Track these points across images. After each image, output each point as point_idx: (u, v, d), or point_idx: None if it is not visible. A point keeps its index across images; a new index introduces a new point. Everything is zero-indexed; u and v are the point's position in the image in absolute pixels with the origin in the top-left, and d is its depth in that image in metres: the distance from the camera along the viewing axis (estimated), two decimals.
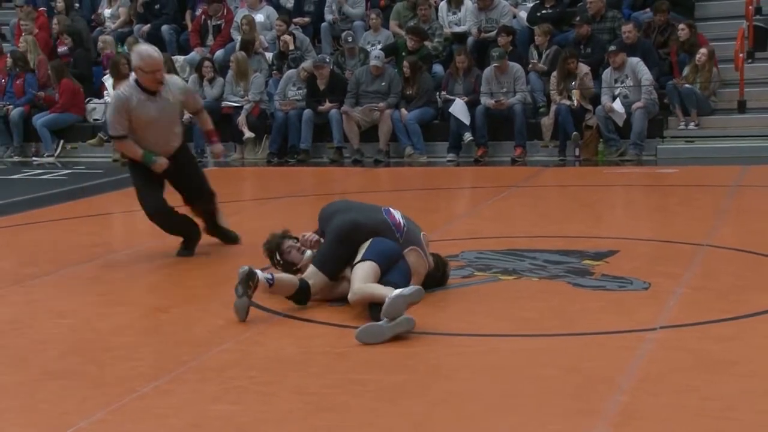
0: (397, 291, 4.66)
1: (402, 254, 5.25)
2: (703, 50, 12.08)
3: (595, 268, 5.99)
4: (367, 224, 5.29)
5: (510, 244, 6.75)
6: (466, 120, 12.22)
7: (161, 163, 6.35)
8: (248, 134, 13.14)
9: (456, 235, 6.95)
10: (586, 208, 8.62)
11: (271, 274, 5.16)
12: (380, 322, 4.60)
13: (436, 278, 5.52)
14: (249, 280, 4.99)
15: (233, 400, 3.89)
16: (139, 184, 6.51)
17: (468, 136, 12.34)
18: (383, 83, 12.77)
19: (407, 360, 4.40)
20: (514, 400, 3.80)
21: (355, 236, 5.23)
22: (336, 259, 5.25)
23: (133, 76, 6.40)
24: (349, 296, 5.03)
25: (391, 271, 5.09)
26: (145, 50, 6.42)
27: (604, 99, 12.02)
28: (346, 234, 5.24)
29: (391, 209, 5.47)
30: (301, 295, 5.21)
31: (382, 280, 5.02)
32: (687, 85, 12.00)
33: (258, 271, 5.07)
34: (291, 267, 5.58)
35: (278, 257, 5.62)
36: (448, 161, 12.44)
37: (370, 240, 5.19)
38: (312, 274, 5.25)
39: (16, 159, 13.92)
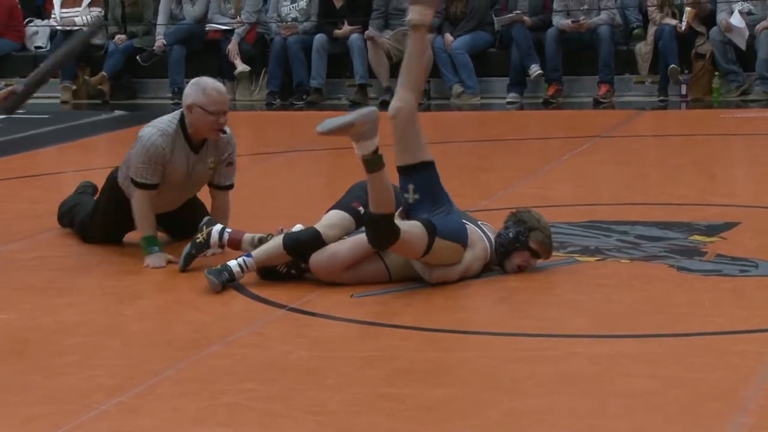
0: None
1: (453, 210, 5.44)
2: None
3: (708, 246, 5.99)
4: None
5: (592, 214, 6.76)
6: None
7: (156, 264, 5.91)
8: (241, 67, 13.13)
9: (519, 202, 6.93)
10: (695, 166, 8.59)
11: (249, 255, 5.45)
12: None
13: None
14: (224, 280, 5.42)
15: (224, 421, 3.91)
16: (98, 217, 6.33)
17: (536, 69, 12.27)
18: None
19: (456, 368, 4.43)
20: (600, 421, 3.80)
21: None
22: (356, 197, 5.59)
23: (177, 115, 5.96)
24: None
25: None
26: (210, 83, 5.86)
27: (721, 16, 11.83)
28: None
29: None
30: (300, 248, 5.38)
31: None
32: None
33: (232, 265, 5.40)
34: None
35: None
36: (509, 103, 12.42)
37: None
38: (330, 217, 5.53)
39: None
